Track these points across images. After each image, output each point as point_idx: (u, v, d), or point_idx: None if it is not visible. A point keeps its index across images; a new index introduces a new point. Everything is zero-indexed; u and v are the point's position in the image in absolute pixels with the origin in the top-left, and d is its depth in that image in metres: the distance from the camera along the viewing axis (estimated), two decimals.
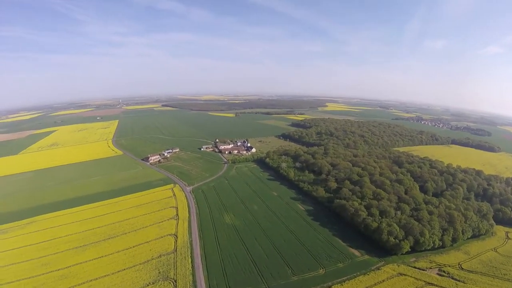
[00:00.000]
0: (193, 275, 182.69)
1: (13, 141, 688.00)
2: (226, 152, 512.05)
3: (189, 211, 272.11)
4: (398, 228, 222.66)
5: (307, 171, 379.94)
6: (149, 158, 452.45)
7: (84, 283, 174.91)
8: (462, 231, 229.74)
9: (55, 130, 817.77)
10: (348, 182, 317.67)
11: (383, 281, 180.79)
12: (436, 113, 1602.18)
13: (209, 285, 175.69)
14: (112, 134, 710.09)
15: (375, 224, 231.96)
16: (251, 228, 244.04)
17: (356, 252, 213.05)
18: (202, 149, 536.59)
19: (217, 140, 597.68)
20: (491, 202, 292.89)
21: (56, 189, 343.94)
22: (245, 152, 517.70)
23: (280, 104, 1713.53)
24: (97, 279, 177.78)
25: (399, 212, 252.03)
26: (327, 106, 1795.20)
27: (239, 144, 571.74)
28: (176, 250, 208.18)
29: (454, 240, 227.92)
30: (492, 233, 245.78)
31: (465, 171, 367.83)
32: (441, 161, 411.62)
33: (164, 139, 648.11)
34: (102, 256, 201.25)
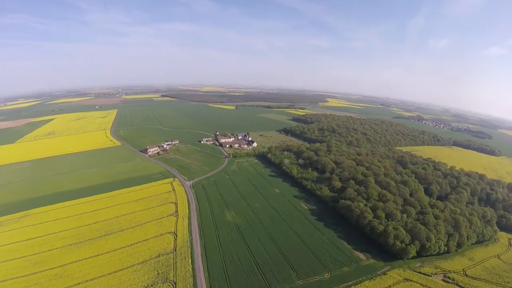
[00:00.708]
0: (194, 277, 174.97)
1: (10, 129, 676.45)
2: (227, 146, 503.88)
3: (189, 208, 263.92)
4: (404, 232, 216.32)
5: (310, 169, 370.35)
6: (148, 150, 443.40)
7: (79, 283, 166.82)
8: (467, 236, 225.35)
9: (53, 119, 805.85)
10: (353, 182, 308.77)
11: (389, 287, 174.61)
12: (436, 113, 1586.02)
13: None
14: (111, 124, 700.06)
15: (381, 227, 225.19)
16: (253, 227, 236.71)
17: (361, 256, 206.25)
18: (202, 141, 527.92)
19: (218, 133, 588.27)
20: (494, 208, 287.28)
21: (52, 180, 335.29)
22: (246, 146, 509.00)
23: (280, 98, 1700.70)
24: (92, 279, 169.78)
25: (405, 215, 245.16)
26: (327, 101, 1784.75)
27: (240, 137, 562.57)
28: (175, 250, 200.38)
29: (459, 245, 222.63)
30: (495, 239, 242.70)
31: (468, 174, 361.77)
32: (444, 163, 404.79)
33: (163, 130, 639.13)
34: (98, 255, 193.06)
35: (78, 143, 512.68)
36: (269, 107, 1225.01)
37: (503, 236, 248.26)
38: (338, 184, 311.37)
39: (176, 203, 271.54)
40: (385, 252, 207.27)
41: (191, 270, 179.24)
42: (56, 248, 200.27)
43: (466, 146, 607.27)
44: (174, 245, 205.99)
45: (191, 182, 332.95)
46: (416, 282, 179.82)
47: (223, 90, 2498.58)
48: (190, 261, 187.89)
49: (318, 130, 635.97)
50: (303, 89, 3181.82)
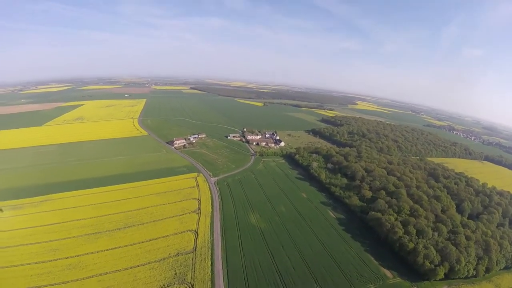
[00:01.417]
0: (212, 281, 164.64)
1: (39, 112, 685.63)
2: (254, 143, 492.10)
3: (212, 206, 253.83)
4: (435, 252, 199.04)
5: (339, 174, 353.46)
6: (174, 142, 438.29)
7: (92, 276, 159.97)
8: (496, 261, 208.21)
9: (82, 104, 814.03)
10: (384, 193, 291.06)
11: None
12: (467, 124, 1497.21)
13: None
14: (139, 113, 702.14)
15: (411, 245, 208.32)
16: (278, 233, 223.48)
17: (388, 273, 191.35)
18: (229, 137, 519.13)
19: (245, 129, 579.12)
20: None
21: (75, 166, 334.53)
22: (273, 145, 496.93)
23: (308, 97, 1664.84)
24: (107, 273, 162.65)
25: (436, 234, 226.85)
26: (357, 104, 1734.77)
27: (267, 136, 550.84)
28: (195, 249, 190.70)
29: (487, 270, 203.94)
30: None
31: (500, 193, 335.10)
32: (476, 179, 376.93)
33: (190, 123, 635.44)
34: (115, 248, 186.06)
35: (105, 130, 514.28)
36: (297, 106, 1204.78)
37: None
38: (368, 193, 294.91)
39: (200, 200, 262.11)
40: (413, 271, 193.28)
41: (210, 274, 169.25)
42: (73, 237, 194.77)
43: (498, 162, 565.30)
44: (194, 244, 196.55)
45: (216, 178, 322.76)
46: None
47: (251, 86, 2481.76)
48: (209, 263, 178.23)
49: (347, 134, 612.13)
50: (331, 90, 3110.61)
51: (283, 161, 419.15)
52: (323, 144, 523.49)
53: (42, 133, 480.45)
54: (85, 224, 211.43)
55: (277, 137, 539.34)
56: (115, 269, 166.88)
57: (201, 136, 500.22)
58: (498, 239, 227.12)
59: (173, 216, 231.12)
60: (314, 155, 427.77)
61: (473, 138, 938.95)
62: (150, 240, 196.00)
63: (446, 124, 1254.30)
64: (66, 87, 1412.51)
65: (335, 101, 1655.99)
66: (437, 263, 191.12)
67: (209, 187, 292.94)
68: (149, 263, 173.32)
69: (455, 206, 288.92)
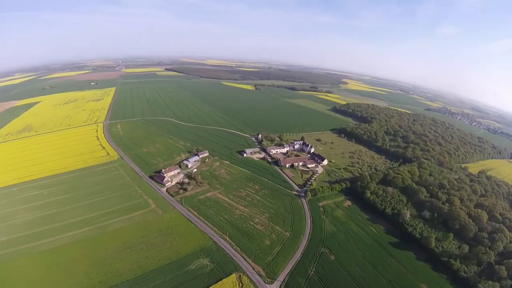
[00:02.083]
0: None
1: None
2: (287, 165, 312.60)
3: None
4: None
5: (443, 228, 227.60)
6: (164, 178, 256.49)
7: None
8: None
9: (38, 102, 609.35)
10: None
11: None
12: (452, 103, 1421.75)
13: None
14: (105, 112, 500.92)
15: None
16: None
17: None
18: (245, 154, 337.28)
19: (260, 135, 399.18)
20: None
21: None
22: (313, 165, 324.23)
23: (294, 76, 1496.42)
24: None
25: None
26: (348, 83, 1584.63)
27: (296, 146, 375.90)
28: None
29: None
30: None
31: None
32: None
33: (178, 126, 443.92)
34: None
35: (54, 152, 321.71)
36: (293, 88, 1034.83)
37: None
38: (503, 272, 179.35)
39: None
40: None
41: None
42: None
43: None
44: None
45: (275, 285, 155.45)
46: None
47: (229, 64, 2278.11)
48: None
49: (385, 135, 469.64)
50: (312, 67, 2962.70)
51: (349, 202, 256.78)
52: (369, 155, 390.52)
53: None
54: None
55: (312, 150, 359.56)
56: None
57: (203, 155, 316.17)
58: None
59: None
60: (390, 189, 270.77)
61: (473, 123, 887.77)
62: None
63: (442, 106, 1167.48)
64: (30, 77, 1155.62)
65: (324, 81, 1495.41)
66: None
67: None
68: None
69: None
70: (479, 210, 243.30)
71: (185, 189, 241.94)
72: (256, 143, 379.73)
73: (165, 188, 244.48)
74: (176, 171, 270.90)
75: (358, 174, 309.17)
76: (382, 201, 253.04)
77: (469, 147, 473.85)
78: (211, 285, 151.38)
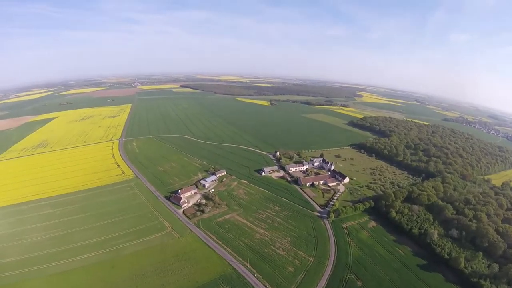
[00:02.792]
0: None
1: (2, 132, 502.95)
2: (307, 184, 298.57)
3: None
4: None
5: (472, 247, 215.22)
6: (180, 198, 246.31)
7: None
8: None
9: (54, 117, 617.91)
10: None
11: None
12: (468, 112, 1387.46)
13: None
14: (121, 129, 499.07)
15: None
16: None
17: None
18: (263, 173, 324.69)
19: (278, 153, 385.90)
20: None
21: None
22: (334, 184, 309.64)
23: (308, 91, 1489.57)
24: None
25: None
26: (363, 96, 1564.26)
27: (316, 164, 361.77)
28: None
29: None
30: None
31: None
32: None
33: (194, 143, 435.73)
34: None
35: (68, 170, 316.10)
36: (308, 103, 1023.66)
37: None
38: None
39: None
40: None
41: None
42: None
43: None
44: None
45: None
46: None
47: (243, 80, 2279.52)
48: None
49: (406, 149, 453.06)
50: (326, 80, 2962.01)
51: (373, 222, 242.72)
52: (396, 174, 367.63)
53: None
54: None
55: (333, 167, 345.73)
56: None
57: (220, 174, 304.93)
58: None
59: None
60: (416, 207, 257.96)
61: (492, 132, 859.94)
62: None
63: (458, 116, 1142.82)
64: (47, 93, 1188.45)
65: (339, 94, 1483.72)
66: None
67: None
68: None
69: None
70: (507, 226, 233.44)
71: (203, 211, 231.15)
72: (274, 161, 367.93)
73: (182, 210, 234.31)
74: (193, 192, 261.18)
75: (381, 192, 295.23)
76: (408, 221, 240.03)
77: (491, 157, 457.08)
78: None
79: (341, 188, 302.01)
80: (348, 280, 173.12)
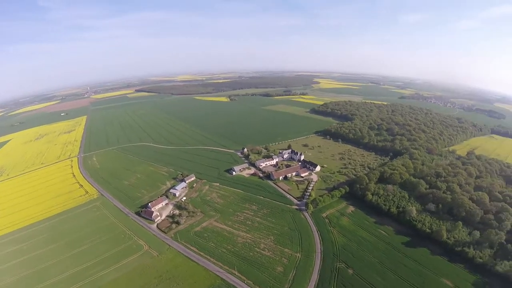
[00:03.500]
0: None
1: None
2: (280, 178, 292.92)
3: None
4: None
5: (451, 218, 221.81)
6: (152, 212, 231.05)
7: None
8: None
9: (8, 140, 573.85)
10: None
11: None
12: (423, 88, 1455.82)
13: None
14: (79, 145, 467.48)
15: None
16: None
17: None
18: (234, 172, 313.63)
19: (245, 149, 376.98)
20: None
21: None
22: (306, 173, 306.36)
23: (266, 82, 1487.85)
24: None
25: None
26: (319, 82, 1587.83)
27: (286, 156, 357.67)
28: None
29: None
30: None
31: None
32: None
33: (157, 150, 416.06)
34: None
35: (27, 198, 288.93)
36: (267, 95, 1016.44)
37: None
38: None
39: None
40: None
41: None
42: None
43: (504, 134, 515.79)
44: None
45: None
46: None
47: (200, 78, 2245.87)
48: None
49: (370, 130, 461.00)
50: (282, 70, 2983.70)
51: (352, 207, 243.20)
52: (359, 154, 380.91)
53: None
54: None
55: (302, 157, 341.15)
56: None
57: (190, 180, 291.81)
58: None
59: None
60: (390, 187, 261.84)
61: (448, 104, 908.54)
62: None
63: (414, 93, 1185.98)
64: None
65: (296, 83, 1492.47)
66: None
67: None
68: None
69: None
70: (480, 193, 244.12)
71: (178, 222, 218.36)
72: (243, 158, 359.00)
73: (155, 224, 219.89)
74: (164, 203, 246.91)
75: (353, 176, 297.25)
76: (385, 201, 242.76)
77: (452, 129, 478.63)
78: None
79: (314, 177, 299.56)
80: (339, 269, 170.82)
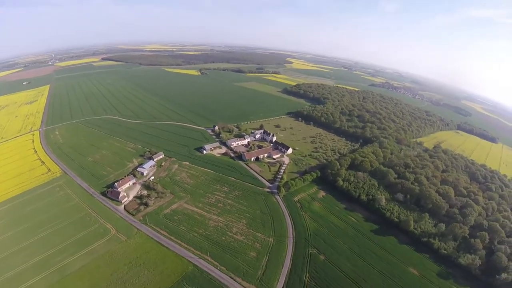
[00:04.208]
0: None
1: None
2: (252, 159, 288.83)
3: None
4: None
5: (418, 209, 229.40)
6: (119, 192, 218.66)
7: None
8: None
9: None
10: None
11: None
12: (393, 78, 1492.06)
13: None
14: (41, 117, 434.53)
15: None
16: None
17: None
18: (205, 151, 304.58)
19: (216, 127, 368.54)
20: None
21: None
22: (278, 155, 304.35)
23: (239, 58, 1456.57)
24: None
25: None
26: (292, 63, 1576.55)
27: (258, 136, 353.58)
28: None
29: None
30: None
31: None
32: (500, 172, 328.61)
33: (124, 124, 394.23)
34: None
35: None
36: (239, 71, 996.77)
37: None
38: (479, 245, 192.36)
39: None
40: None
41: None
42: None
43: (469, 131, 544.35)
44: None
45: None
46: None
47: (170, 48, 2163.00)
48: None
49: (342, 115, 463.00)
50: (254, 47, 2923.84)
51: (323, 192, 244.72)
52: (335, 141, 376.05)
53: None
54: None
55: (274, 138, 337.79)
56: None
57: (158, 158, 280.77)
58: None
59: None
60: (361, 174, 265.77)
61: (417, 97, 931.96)
62: None
63: (384, 81, 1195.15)
64: None
65: (269, 61, 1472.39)
66: None
67: None
68: None
69: None
70: (446, 187, 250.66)
71: (146, 204, 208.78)
72: (214, 137, 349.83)
73: (123, 206, 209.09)
74: (131, 182, 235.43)
75: (324, 161, 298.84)
76: (356, 188, 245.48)
77: (420, 121, 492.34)
78: None
79: (286, 159, 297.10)
80: (311, 255, 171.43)
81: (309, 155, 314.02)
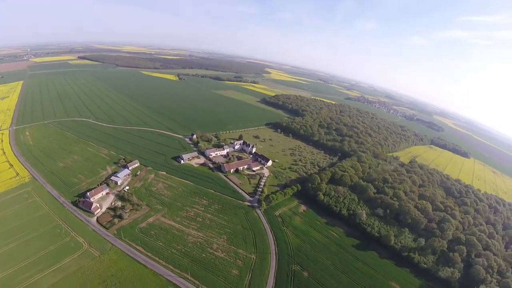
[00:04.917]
0: None
1: None
2: (231, 171, 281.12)
3: None
4: None
5: (397, 225, 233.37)
6: (91, 203, 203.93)
7: None
8: None
9: None
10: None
11: None
12: (368, 92, 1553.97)
13: None
14: (11, 115, 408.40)
15: None
16: None
17: None
18: (182, 161, 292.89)
19: (195, 136, 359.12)
20: None
21: None
22: (258, 167, 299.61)
23: (217, 65, 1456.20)
24: None
25: None
26: (271, 73, 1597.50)
27: (237, 147, 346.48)
28: None
29: None
30: None
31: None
32: (474, 187, 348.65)
33: (98, 128, 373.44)
34: None
35: None
36: (218, 78, 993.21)
37: None
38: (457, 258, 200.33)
39: None
40: None
41: None
42: None
43: (442, 146, 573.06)
44: None
45: None
46: None
47: (148, 51, 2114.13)
48: None
49: (320, 128, 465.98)
50: (233, 55, 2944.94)
51: (303, 206, 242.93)
52: (314, 154, 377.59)
53: None
54: None
55: (254, 149, 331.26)
56: None
57: (133, 166, 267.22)
58: None
59: None
60: (341, 189, 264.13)
61: (391, 111, 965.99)
62: None
63: (360, 95, 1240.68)
64: None
65: (248, 70, 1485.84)
66: None
67: None
68: None
69: None
70: (424, 202, 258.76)
71: (120, 216, 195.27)
72: (192, 146, 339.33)
73: (95, 217, 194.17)
74: (104, 192, 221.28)
75: (304, 174, 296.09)
76: (336, 202, 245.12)
77: (395, 136, 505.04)
78: None
79: (266, 172, 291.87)
80: (294, 272, 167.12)
81: (289, 168, 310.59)
